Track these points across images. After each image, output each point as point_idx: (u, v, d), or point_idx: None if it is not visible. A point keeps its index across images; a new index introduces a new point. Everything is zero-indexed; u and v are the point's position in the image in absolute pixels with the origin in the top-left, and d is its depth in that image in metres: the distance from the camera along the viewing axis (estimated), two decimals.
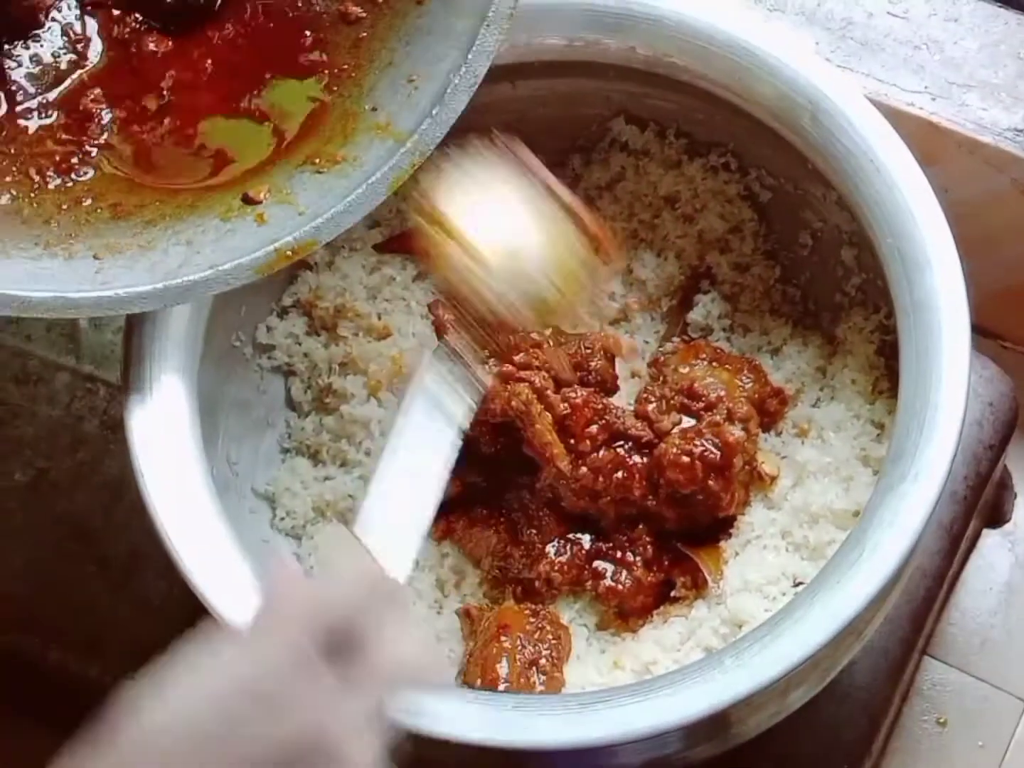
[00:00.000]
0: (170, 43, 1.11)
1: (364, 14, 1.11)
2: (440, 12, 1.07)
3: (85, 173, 1.05)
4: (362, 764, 0.72)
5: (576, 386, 1.17)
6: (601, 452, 1.16)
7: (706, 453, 1.13)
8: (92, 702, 1.32)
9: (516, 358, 1.16)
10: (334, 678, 0.72)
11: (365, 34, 1.10)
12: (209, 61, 1.10)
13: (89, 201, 1.04)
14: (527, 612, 1.12)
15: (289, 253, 1.00)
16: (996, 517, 1.59)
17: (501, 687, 1.07)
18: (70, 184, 1.04)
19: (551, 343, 1.19)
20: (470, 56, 1.03)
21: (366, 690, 0.73)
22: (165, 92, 1.09)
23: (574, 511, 1.17)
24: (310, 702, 0.70)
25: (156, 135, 1.08)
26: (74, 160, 1.05)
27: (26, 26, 1.09)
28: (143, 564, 1.30)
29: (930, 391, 1.01)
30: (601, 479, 1.15)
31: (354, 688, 0.73)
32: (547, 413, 1.15)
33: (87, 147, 1.06)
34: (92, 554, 1.33)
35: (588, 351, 1.19)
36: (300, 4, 1.12)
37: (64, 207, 1.03)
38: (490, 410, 1.14)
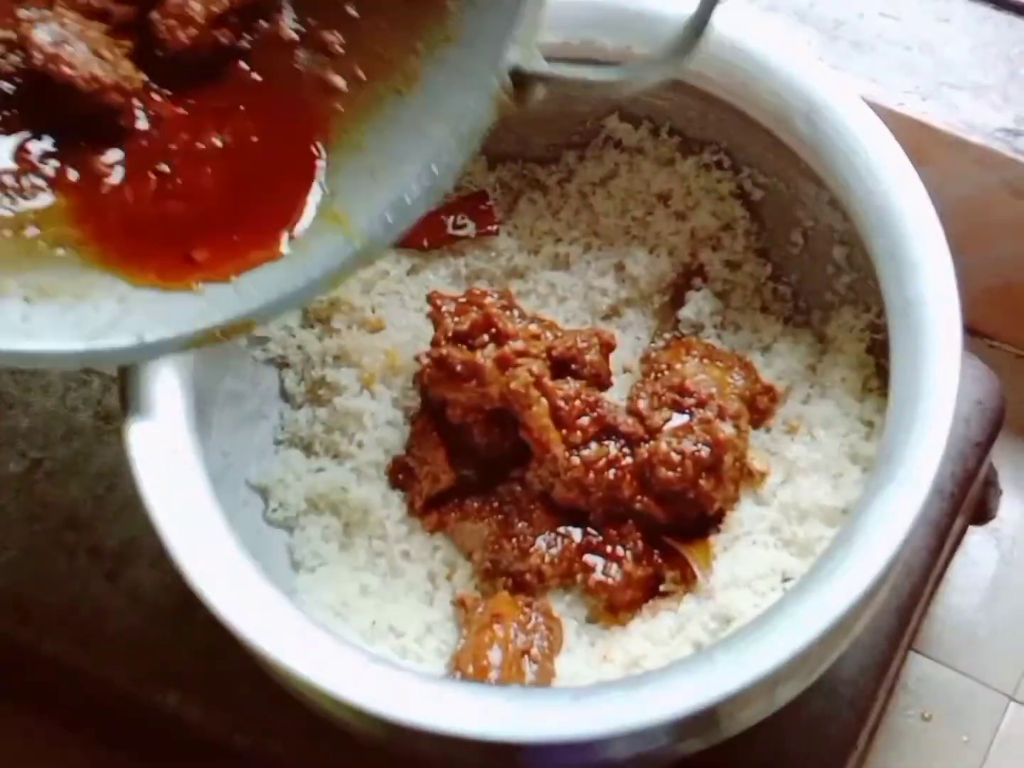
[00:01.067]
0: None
1: (345, 87, 1.05)
2: (418, 109, 1.01)
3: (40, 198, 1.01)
4: None
5: (569, 378, 1.18)
6: (592, 446, 1.16)
7: (697, 451, 1.14)
8: (87, 693, 1.34)
9: (514, 344, 1.16)
10: None
11: (341, 108, 1.04)
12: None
13: (33, 231, 1.00)
14: (521, 603, 1.13)
15: (218, 334, 0.98)
16: (982, 514, 1.60)
17: (493, 674, 1.07)
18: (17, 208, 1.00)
19: (548, 334, 1.19)
20: (435, 169, 0.98)
21: None
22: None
23: (563, 503, 1.17)
24: None
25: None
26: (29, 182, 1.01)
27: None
28: (136, 554, 1.30)
29: (920, 390, 1.02)
30: (592, 474, 1.16)
31: None
32: (544, 400, 1.15)
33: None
34: (85, 544, 1.33)
35: (584, 345, 1.19)
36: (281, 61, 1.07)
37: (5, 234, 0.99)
38: (487, 395, 1.15)
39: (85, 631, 1.30)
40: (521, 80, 0.98)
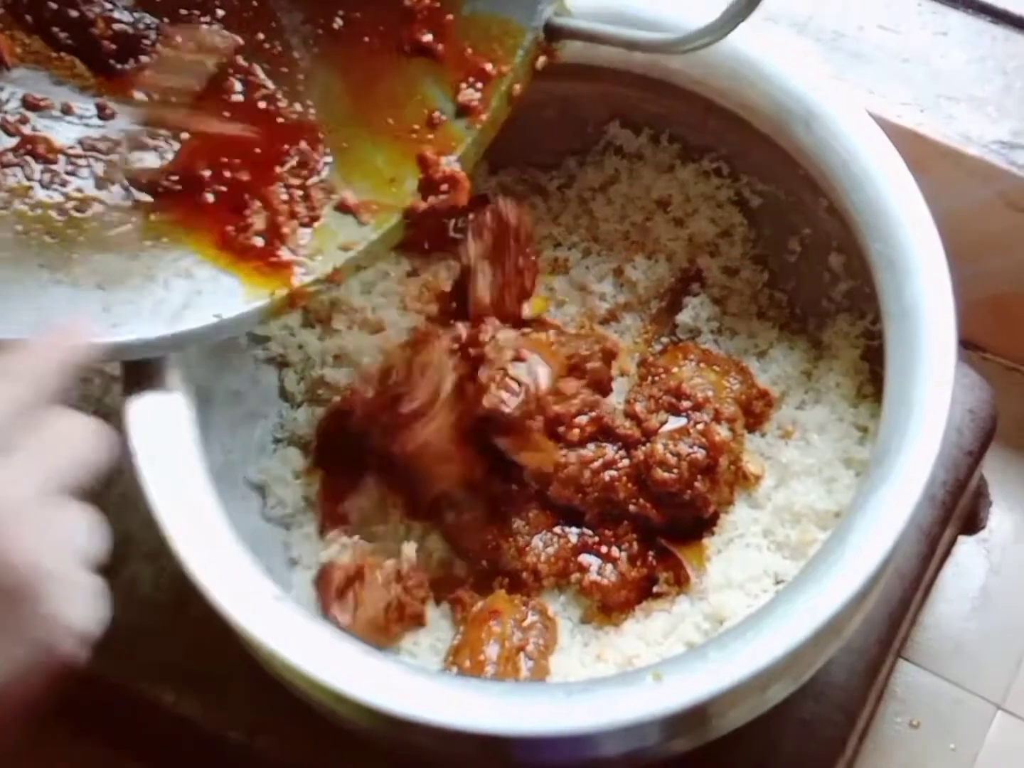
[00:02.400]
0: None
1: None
2: None
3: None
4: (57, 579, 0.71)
5: (570, 379, 1.19)
6: (590, 447, 1.17)
7: (693, 454, 1.15)
8: (81, 690, 1.34)
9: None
10: None
11: None
12: None
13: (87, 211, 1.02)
14: (518, 601, 1.14)
15: (290, 300, 1.01)
16: (972, 524, 1.61)
17: (489, 669, 1.08)
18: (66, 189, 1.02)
19: (551, 342, 1.21)
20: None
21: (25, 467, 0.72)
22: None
23: (559, 502, 1.18)
24: None
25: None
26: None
27: None
28: (134, 551, 1.31)
29: (914, 396, 1.03)
30: (587, 473, 1.17)
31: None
32: (539, 416, 1.16)
33: None
34: None
35: (587, 353, 1.21)
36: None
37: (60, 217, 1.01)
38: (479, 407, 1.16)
39: None
40: (553, 34, 1.01)
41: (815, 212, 1.22)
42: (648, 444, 1.17)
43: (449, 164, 1.02)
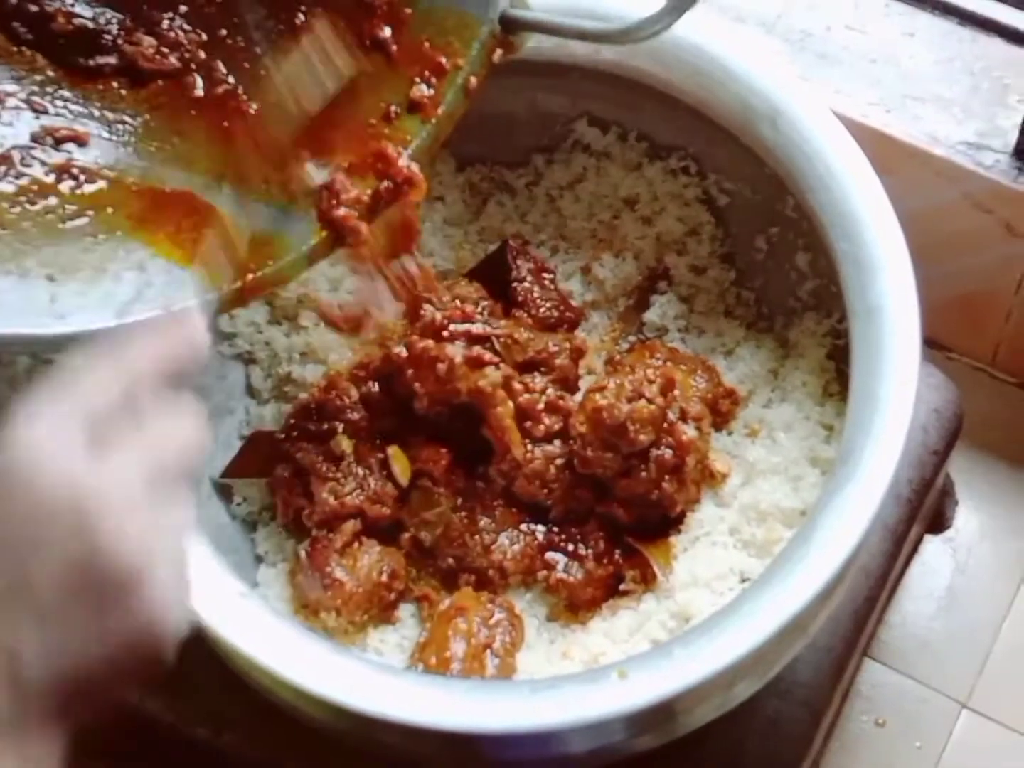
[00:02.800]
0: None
1: None
2: None
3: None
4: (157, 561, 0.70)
5: (536, 374, 1.19)
6: (556, 443, 1.18)
7: (660, 454, 1.15)
8: None
9: (484, 348, 1.18)
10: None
11: None
12: None
13: (45, 202, 0.99)
14: (484, 599, 1.14)
15: (243, 294, 0.98)
16: (938, 523, 1.62)
17: (455, 666, 1.08)
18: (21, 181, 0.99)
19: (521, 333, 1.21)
20: None
21: (126, 462, 0.72)
22: None
23: (525, 497, 1.18)
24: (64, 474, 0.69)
25: None
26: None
27: None
28: None
29: (879, 394, 1.03)
30: (552, 469, 1.17)
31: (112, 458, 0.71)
32: (509, 402, 1.16)
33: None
34: None
35: (555, 349, 1.21)
36: None
37: (13, 209, 0.98)
38: (455, 390, 1.16)
39: None
40: (510, 26, 1.01)
41: (782, 211, 1.23)
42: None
43: (407, 163, 1.01)
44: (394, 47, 1.04)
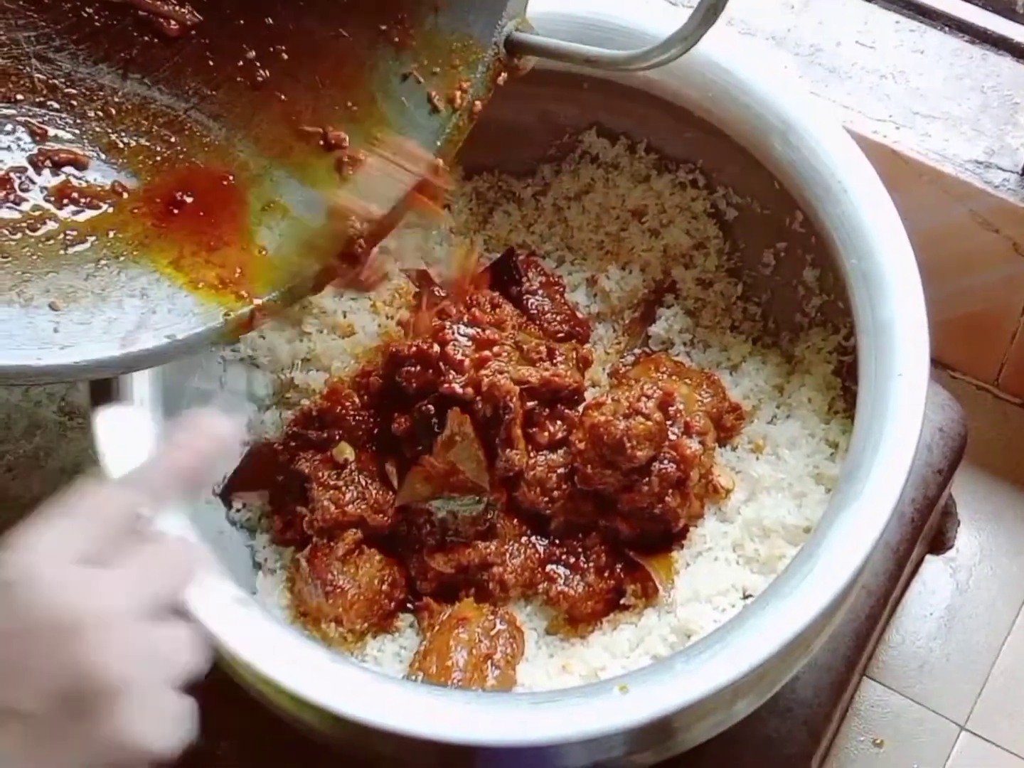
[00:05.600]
0: None
1: None
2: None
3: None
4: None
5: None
6: (560, 452, 1.17)
7: (664, 468, 1.14)
8: None
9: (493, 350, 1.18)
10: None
11: None
12: None
13: (46, 227, 0.98)
14: (486, 610, 1.13)
15: (249, 321, 0.98)
16: (940, 543, 1.61)
17: (456, 675, 1.08)
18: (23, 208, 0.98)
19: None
20: None
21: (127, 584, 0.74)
22: None
23: (526, 505, 1.18)
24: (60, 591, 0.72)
25: None
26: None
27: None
28: None
29: (887, 412, 1.03)
30: (554, 478, 1.16)
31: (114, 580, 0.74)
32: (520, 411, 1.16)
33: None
34: None
35: (561, 359, 1.20)
36: None
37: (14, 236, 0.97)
38: (464, 392, 1.16)
39: None
40: (515, 50, 1.00)
41: (790, 226, 1.22)
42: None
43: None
44: None
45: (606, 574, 1.17)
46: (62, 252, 0.97)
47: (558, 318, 1.26)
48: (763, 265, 1.28)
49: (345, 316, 1.28)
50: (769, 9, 1.54)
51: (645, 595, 1.16)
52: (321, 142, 1.02)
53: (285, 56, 1.04)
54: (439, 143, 1.01)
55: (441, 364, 1.16)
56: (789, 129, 1.13)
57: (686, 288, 1.29)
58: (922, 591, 1.62)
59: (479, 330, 1.18)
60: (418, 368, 1.17)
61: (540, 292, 1.27)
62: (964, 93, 1.49)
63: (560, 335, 1.25)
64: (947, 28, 1.52)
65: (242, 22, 1.03)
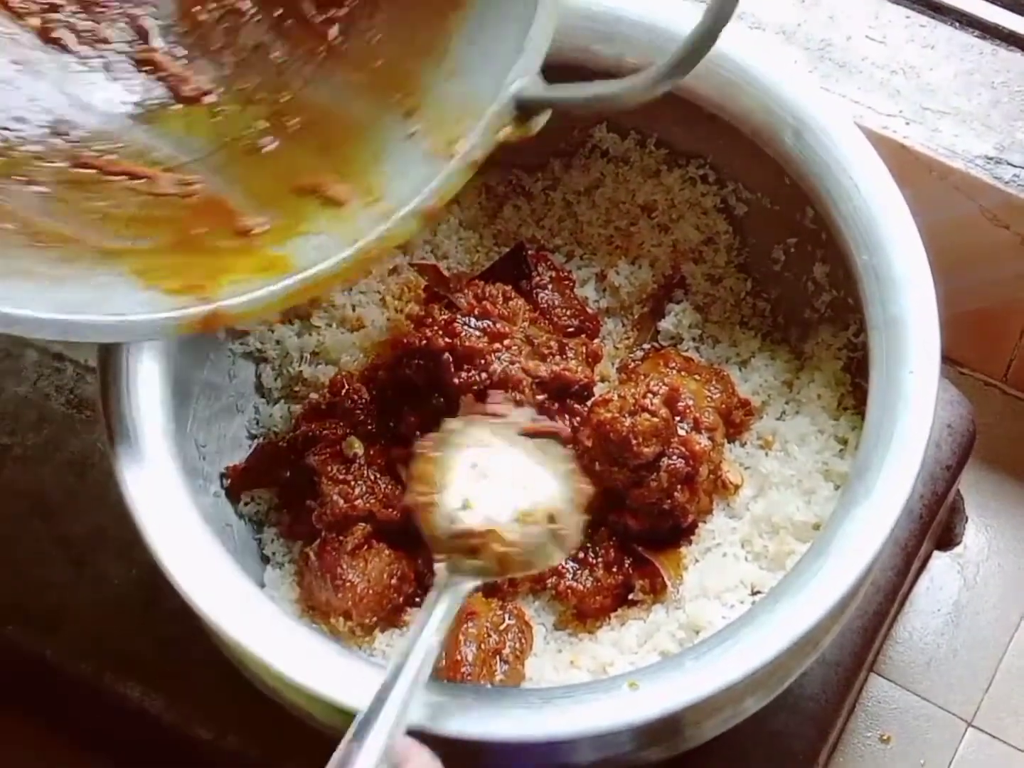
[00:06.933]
0: None
1: None
2: None
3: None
4: None
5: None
6: (567, 447, 1.17)
7: (672, 464, 1.14)
8: (47, 680, 1.33)
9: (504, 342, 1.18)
10: None
11: None
12: None
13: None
14: (494, 604, 1.13)
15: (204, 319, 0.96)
16: (947, 539, 1.61)
17: (464, 670, 1.07)
18: None
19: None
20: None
21: None
22: None
23: None
24: None
25: None
26: None
27: None
28: (104, 544, 1.30)
29: (898, 408, 1.02)
30: None
31: None
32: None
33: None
34: (53, 532, 1.33)
35: (571, 354, 1.20)
36: None
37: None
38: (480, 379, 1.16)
39: (49, 620, 1.30)
40: (526, 107, 1.00)
41: (800, 222, 1.22)
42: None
43: None
44: None
45: (614, 569, 1.17)
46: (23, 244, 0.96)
47: (568, 313, 1.26)
48: (773, 261, 1.27)
49: (354, 310, 1.28)
50: (779, 4, 1.54)
51: (653, 591, 1.16)
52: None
53: (297, 126, 1.04)
54: (431, 190, 0.99)
55: (449, 359, 1.16)
56: (800, 124, 1.13)
57: (695, 283, 1.29)
58: (930, 587, 1.62)
59: (490, 323, 1.19)
60: (426, 362, 1.17)
61: (550, 287, 1.26)
62: (974, 89, 1.49)
63: (570, 330, 1.25)
64: (958, 23, 1.52)
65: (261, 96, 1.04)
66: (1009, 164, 1.45)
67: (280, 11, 1.05)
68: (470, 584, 1.00)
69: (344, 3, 1.04)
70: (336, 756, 0.87)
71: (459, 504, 1.02)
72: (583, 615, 1.16)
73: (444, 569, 1.00)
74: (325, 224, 0.99)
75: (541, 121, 1.02)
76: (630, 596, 1.16)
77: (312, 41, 1.05)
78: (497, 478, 1.05)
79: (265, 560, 1.21)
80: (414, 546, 1.17)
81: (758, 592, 1.14)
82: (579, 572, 1.16)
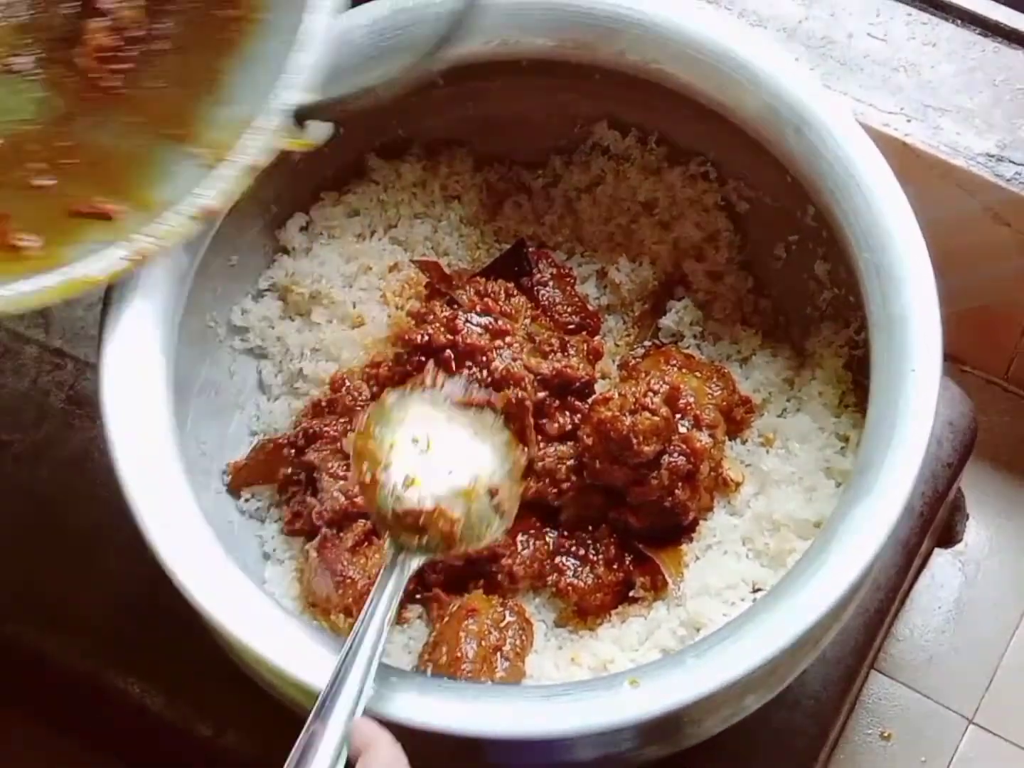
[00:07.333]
0: None
1: None
2: None
3: None
4: None
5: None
6: (569, 444, 1.17)
7: (673, 461, 1.14)
8: (46, 677, 1.33)
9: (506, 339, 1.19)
10: None
11: None
12: None
13: None
14: (495, 601, 1.13)
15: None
16: (948, 537, 1.61)
17: (465, 666, 1.07)
18: None
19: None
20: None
21: None
22: None
23: (535, 495, 1.17)
24: None
25: None
26: None
27: None
28: (103, 540, 1.30)
29: (899, 406, 1.02)
30: (563, 469, 1.16)
31: None
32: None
33: None
34: (52, 528, 1.32)
35: (572, 351, 1.20)
36: None
37: None
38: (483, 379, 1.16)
39: (49, 616, 1.30)
40: (301, 116, 1.03)
41: (802, 219, 1.22)
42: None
43: None
44: None
45: (615, 566, 1.17)
46: None
47: (569, 310, 1.26)
48: (774, 258, 1.27)
49: (355, 307, 1.27)
50: (780, 1, 1.54)
51: (654, 588, 1.16)
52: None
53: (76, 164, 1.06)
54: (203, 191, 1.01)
55: (450, 356, 1.16)
56: (802, 122, 1.13)
57: (697, 281, 1.29)
58: (931, 584, 1.62)
59: (491, 320, 1.19)
60: (427, 359, 1.17)
61: (551, 284, 1.26)
62: (976, 86, 1.48)
63: (571, 327, 1.25)
64: (959, 21, 1.51)
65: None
66: (1011, 162, 1.45)
67: (60, 69, 1.08)
68: (417, 561, 1.01)
69: (127, 59, 1.08)
70: (300, 739, 0.89)
71: (402, 481, 1.03)
72: (584, 612, 1.16)
73: (391, 547, 1.02)
74: (99, 234, 1.01)
75: (321, 131, 1.05)
76: (631, 593, 1.17)
77: (93, 92, 1.08)
78: (438, 452, 1.06)
79: (266, 557, 1.21)
80: None
81: (759, 590, 1.14)
82: (580, 569, 1.16)
